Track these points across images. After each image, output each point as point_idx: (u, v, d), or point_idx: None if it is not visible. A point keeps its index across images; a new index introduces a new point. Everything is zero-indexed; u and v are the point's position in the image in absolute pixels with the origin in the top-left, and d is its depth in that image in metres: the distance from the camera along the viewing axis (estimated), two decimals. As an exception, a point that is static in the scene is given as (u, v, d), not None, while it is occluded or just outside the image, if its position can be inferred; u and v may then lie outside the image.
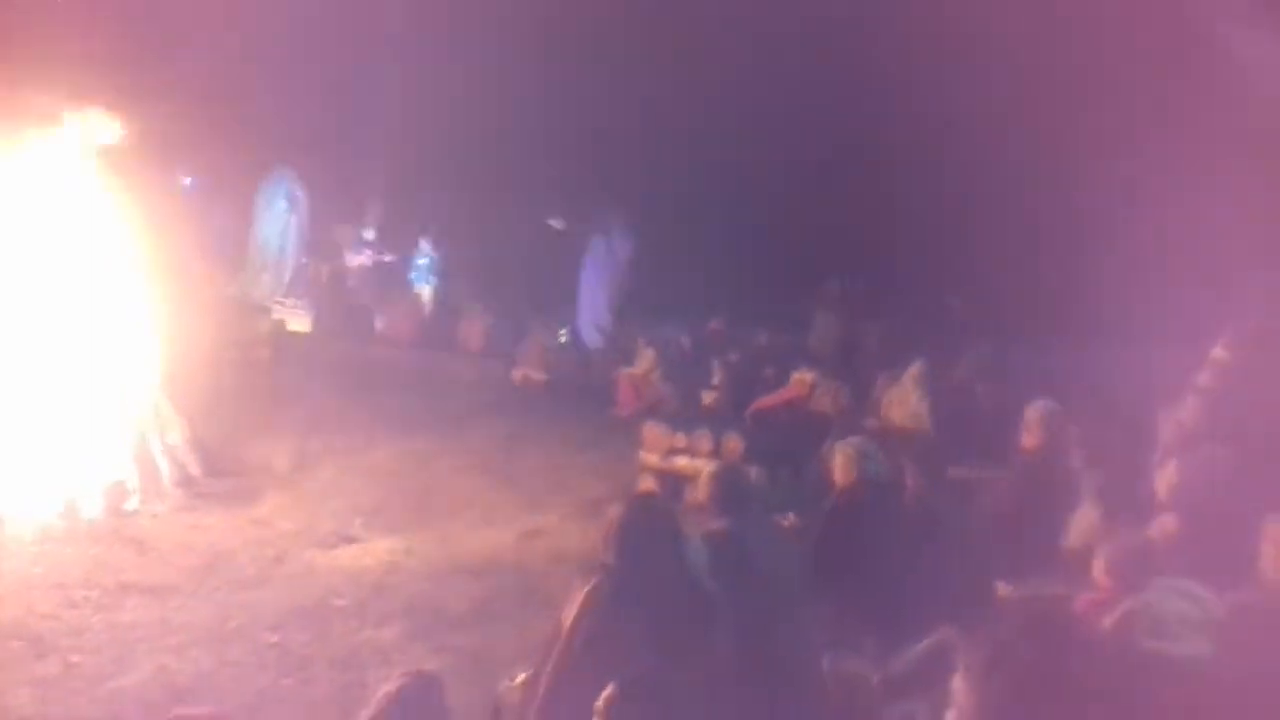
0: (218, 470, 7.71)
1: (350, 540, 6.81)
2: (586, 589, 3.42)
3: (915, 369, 8.74)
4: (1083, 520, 5.82)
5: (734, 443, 8.59)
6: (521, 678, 3.66)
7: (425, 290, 14.86)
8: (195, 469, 7.52)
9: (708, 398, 11.34)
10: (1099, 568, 4.38)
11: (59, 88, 7.12)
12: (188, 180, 15.08)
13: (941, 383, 10.22)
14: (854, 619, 4.87)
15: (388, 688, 2.91)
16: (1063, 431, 6.39)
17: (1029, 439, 6.39)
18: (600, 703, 2.88)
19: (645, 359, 11.67)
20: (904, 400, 8.53)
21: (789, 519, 5.91)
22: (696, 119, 13.84)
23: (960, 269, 12.29)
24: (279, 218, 14.84)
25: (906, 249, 12.76)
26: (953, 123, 11.61)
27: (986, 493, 6.60)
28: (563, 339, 13.49)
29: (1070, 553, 5.76)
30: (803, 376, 10.48)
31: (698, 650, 3.35)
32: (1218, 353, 5.56)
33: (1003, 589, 5.56)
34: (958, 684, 2.70)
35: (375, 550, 6.65)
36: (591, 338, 13.93)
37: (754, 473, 7.99)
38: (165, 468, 7.28)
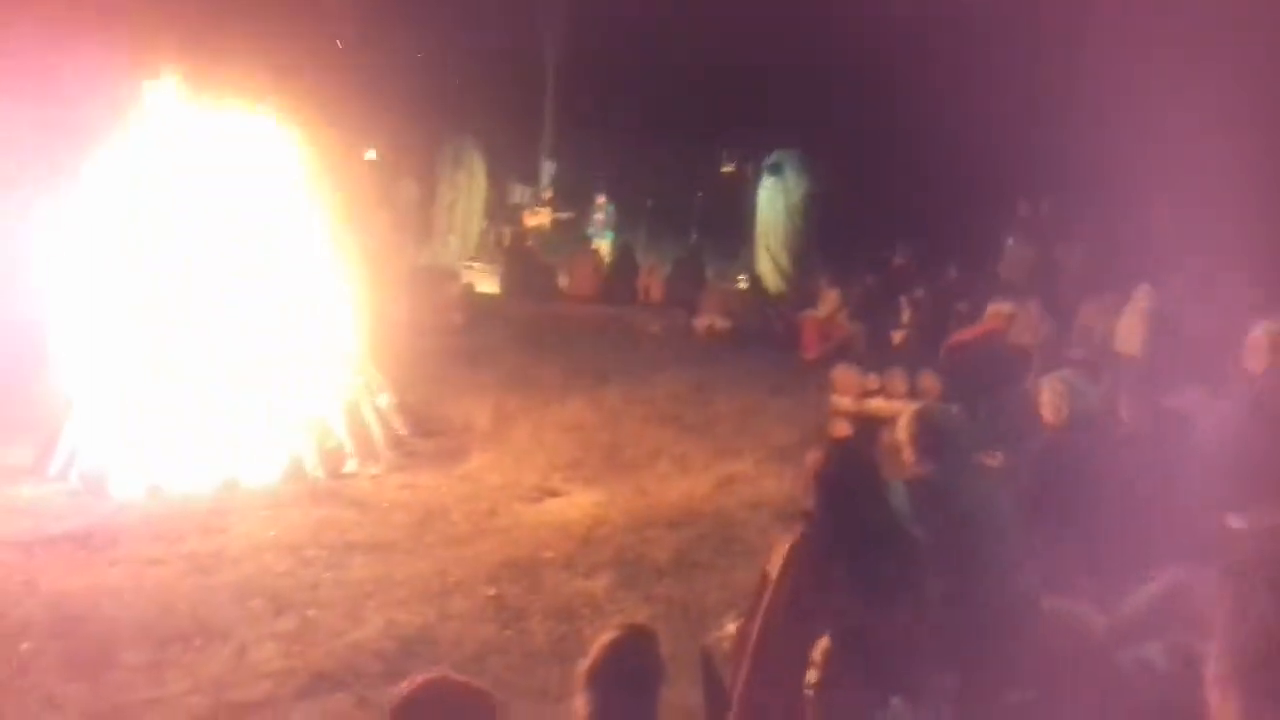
0: (424, 430, 8.08)
1: (554, 493, 7.02)
2: (791, 540, 3.39)
3: (1143, 299, 8.20)
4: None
5: (930, 381, 8.34)
6: (731, 628, 3.68)
7: (604, 244, 15.07)
8: (404, 430, 7.89)
9: (898, 337, 11.08)
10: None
11: (254, 66, 7.51)
12: (372, 153, 15.72)
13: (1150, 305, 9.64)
14: (1074, 561, 4.68)
15: (604, 638, 2.97)
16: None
17: (1255, 362, 5.95)
18: (816, 654, 2.86)
19: (829, 300, 11.48)
20: (1129, 331, 8.03)
21: (996, 458, 5.70)
22: (863, 44, 13.40)
23: (1155, 185, 11.51)
24: (460, 184, 15.30)
25: (1095, 165, 12.03)
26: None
27: (1210, 421, 6.20)
28: (743, 284, 13.42)
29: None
30: (999, 308, 10.06)
31: (908, 598, 3.27)
32: None
33: (1233, 521, 5.23)
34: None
35: (579, 502, 6.83)
36: (773, 281, 13.81)
37: (955, 411, 7.77)
38: (377, 430, 7.67)
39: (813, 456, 3.58)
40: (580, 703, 2.80)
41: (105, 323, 7.05)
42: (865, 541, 3.29)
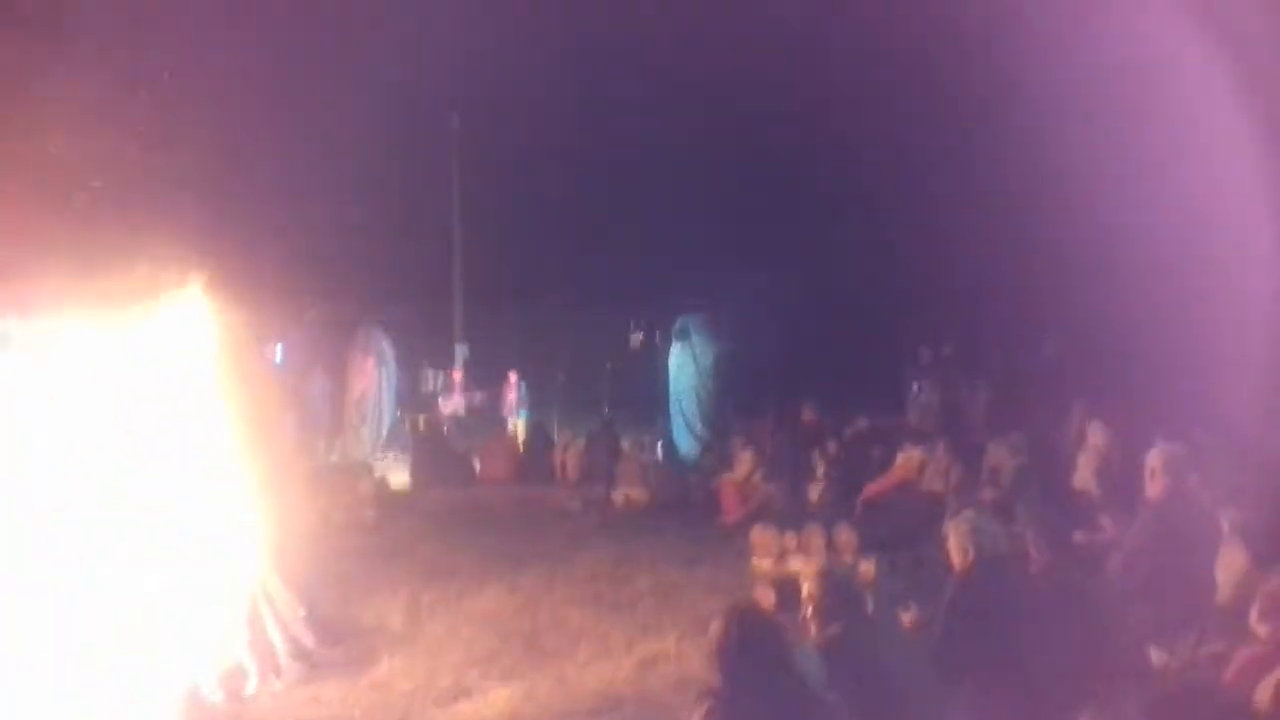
0: (332, 637, 7.68)
1: (468, 693, 6.67)
2: (698, 716, 3.22)
3: (1095, 435, 8.31)
4: (1230, 565, 5.40)
5: (846, 535, 8.30)
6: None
7: (518, 424, 14.99)
8: (309, 640, 7.49)
9: (814, 492, 11.07)
10: (1254, 615, 4.02)
11: (162, 261, 7.40)
12: (278, 351, 15.59)
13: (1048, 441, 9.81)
14: (995, 710, 4.54)
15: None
16: (1188, 473, 6.02)
17: (1153, 487, 6.02)
18: None
19: (744, 462, 11.46)
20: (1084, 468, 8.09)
21: (910, 610, 5.59)
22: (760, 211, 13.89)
23: (1052, 317, 11.91)
24: (370, 374, 15.21)
25: (994, 307, 12.47)
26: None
27: (1119, 552, 6.20)
28: (659, 453, 13.38)
29: (1223, 604, 5.34)
30: (910, 455, 10.18)
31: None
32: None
33: (1157, 656, 5.16)
34: None
35: (494, 700, 6.49)
36: (688, 447, 13.80)
37: (869, 565, 7.71)
38: (280, 643, 7.27)
39: (713, 627, 3.46)
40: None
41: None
42: (771, 710, 3.13)
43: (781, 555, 8.30)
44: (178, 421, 7.38)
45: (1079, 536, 6.52)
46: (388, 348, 15.25)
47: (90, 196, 8.28)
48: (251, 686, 6.87)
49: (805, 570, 6.14)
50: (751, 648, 3.34)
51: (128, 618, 6.68)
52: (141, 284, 7.38)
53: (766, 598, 8.08)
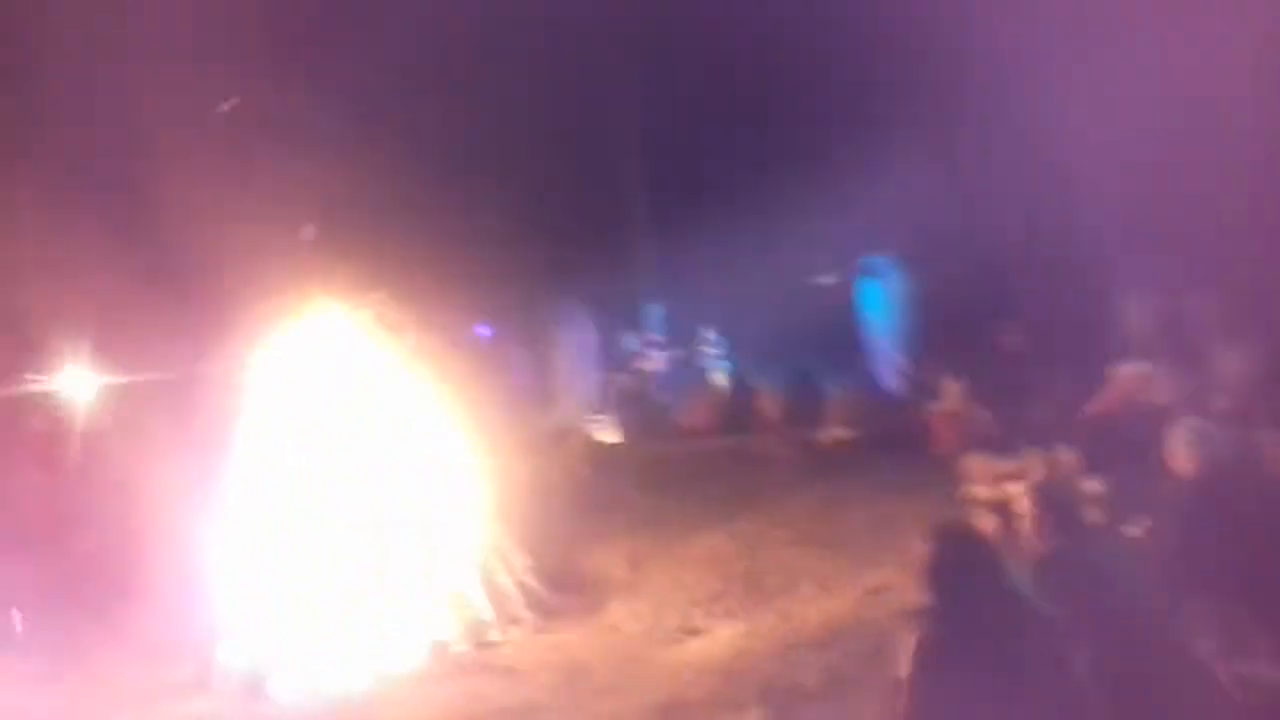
0: (562, 587, 8.10)
1: (695, 632, 6.91)
2: (914, 639, 3.26)
3: None
4: None
5: (1068, 457, 7.99)
6: (876, 741, 3.52)
7: (719, 376, 15.12)
8: (542, 590, 7.93)
9: (1032, 416, 10.68)
10: None
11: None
12: (485, 329, 16.28)
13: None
14: (1242, 618, 4.35)
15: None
16: None
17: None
18: None
19: (952, 392, 11.19)
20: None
21: (1140, 526, 5.40)
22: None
23: None
24: (569, 342, 15.68)
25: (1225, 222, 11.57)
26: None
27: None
28: (862, 392, 13.21)
29: None
30: (1130, 370, 9.69)
31: (1051, 680, 3.09)
32: None
33: None
34: None
35: (720, 638, 6.71)
36: (891, 384, 13.59)
37: (1094, 484, 7.42)
38: (515, 595, 7.73)
39: (923, 548, 3.48)
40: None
41: (250, 531, 7.39)
42: (988, 630, 3.14)
43: (998, 481, 8.09)
44: (403, 411, 7.97)
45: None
46: (583, 314, 15.67)
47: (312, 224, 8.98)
48: (494, 635, 7.36)
49: (1021, 488, 6.01)
50: (962, 565, 3.34)
51: (380, 583, 7.29)
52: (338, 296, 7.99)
53: (986, 523, 7.94)
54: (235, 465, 7.51)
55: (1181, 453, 4.70)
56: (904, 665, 3.25)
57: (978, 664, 3.06)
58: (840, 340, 14.15)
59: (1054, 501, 3.92)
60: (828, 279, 15.01)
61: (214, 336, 8.30)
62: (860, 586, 7.21)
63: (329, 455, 7.59)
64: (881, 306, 13.64)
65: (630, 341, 16.73)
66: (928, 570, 3.27)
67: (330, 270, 8.29)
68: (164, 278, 9.72)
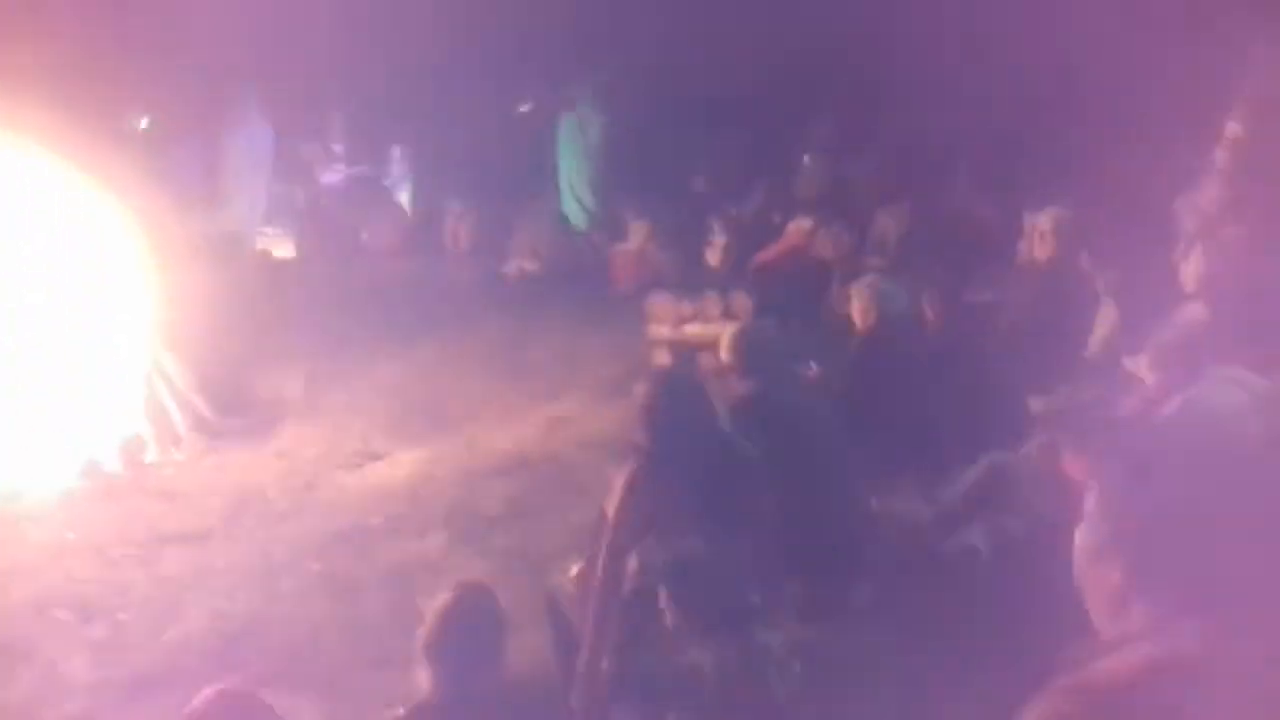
0: (231, 408, 7.61)
1: (376, 457, 6.76)
2: (625, 474, 3.33)
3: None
4: (1103, 322, 5.74)
5: (742, 301, 8.46)
6: (575, 570, 3.61)
7: (404, 196, 14.53)
8: (207, 411, 7.42)
9: (712, 259, 11.13)
10: (1144, 363, 4.29)
11: None
12: (143, 121, 14.59)
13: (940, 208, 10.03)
14: (895, 459, 4.83)
15: (438, 603, 2.85)
16: (1074, 237, 6.27)
17: (1040, 249, 6.27)
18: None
19: (639, 232, 11.44)
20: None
21: (811, 369, 5.82)
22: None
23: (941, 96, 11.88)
24: (244, 144, 14.40)
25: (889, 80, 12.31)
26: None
27: (1005, 312, 6.51)
28: (549, 226, 13.21)
29: (1094, 359, 5.70)
30: (800, 224, 10.29)
31: (746, 517, 3.27)
32: (1231, 128, 5.35)
33: (1036, 404, 5.51)
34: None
35: (402, 463, 6.61)
36: (578, 218, 13.66)
37: (770, 327, 7.90)
38: (177, 414, 7.18)
39: (640, 389, 3.53)
40: (424, 673, 2.67)
41: None
42: (697, 466, 3.26)
43: (679, 321, 8.44)
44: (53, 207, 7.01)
45: (968, 296, 6.79)
46: (261, 116, 14.39)
47: None
48: (150, 455, 6.82)
49: (715, 331, 6.27)
50: (677, 406, 3.42)
51: (27, 395, 6.52)
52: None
53: (664, 361, 8.29)
54: None
55: (860, 307, 5.06)
56: (612, 500, 3.31)
57: (686, 503, 3.18)
58: (533, 170, 13.95)
59: (754, 345, 4.09)
60: (525, 105, 14.64)
61: None
62: (544, 415, 7.33)
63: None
64: (577, 141, 13.52)
65: (311, 150, 15.64)
66: (644, 410, 3.32)
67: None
68: None
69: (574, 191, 13.91)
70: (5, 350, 6.57)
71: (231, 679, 2.61)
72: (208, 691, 2.29)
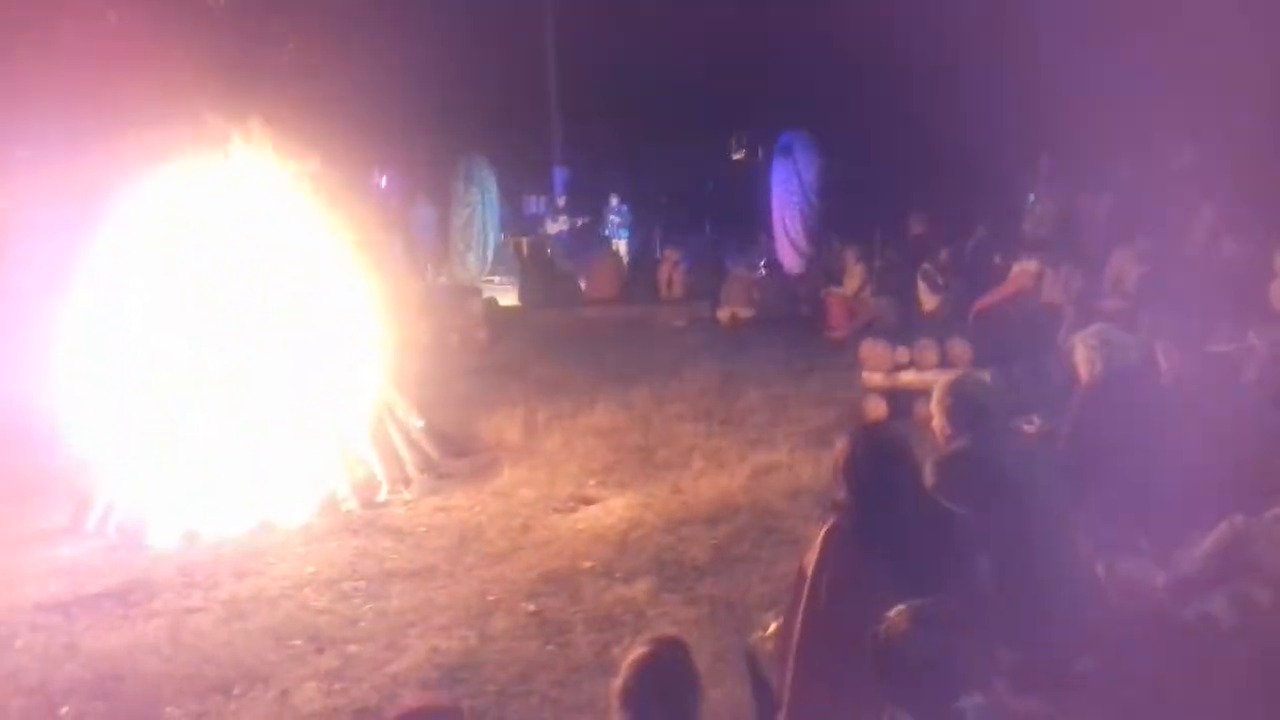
0: (456, 451, 8.00)
1: (588, 501, 6.91)
2: (823, 530, 3.26)
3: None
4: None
5: (961, 349, 8.17)
6: (773, 628, 3.55)
7: (621, 245, 14.97)
8: (434, 452, 7.82)
9: (928, 304, 10.87)
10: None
11: (223, 103, 7.41)
12: (383, 180, 15.72)
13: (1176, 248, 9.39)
14: (1128, 520, 4.51)
15: (633, 656, 2.87)
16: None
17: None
18: (883, 633, 2.68)
19: (854, 276, 11.30)
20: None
21: (1033, 423, 5.54)
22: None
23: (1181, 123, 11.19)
24: (473, 200, 15.26)
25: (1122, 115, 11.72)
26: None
27: (1252, 363, 6.00)
28: (763, 270, 13.27)
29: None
30: (1025, 266, 9.90)
31: (954, 579, 3.12)
32: None
33: (1289, 464, 5.03)
34: None
35: (613, 508, 6.72)
36: (792, 264, 13.64)
37: (987, 377, 7.59)
38: (407, 456, 7.60)
39: (841, 442, 3.45)
40: None
41: (131, 374, 7.04)
42: (899, 524, 3.15)
43: (893, 369, 8.24)
44: (300, 258, 7.57)
45: (1214, 346, 6.29)
46: (489, 174, 15.22)
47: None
48: (382, 495, 7.24)
49: (930, 379, 6.07)
50: (878, 462, 3.32)
51: (269, 433, 7.06)
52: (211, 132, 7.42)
53: (878, 409, 8.11)
54: (121, 303, 7.09)
55: (1086, 358, 4.78)
56: (811, 555, 3.25)
57: (888, 556, 3.08)
58: (746, 216, 14.08)
59: (965, 398, 3.93)
60: (738, 153, 14.83)
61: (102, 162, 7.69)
62: (752, 464, 7.30)
63: (223, 297, 7.22)
64: (791, 185, 13.55)
65: (535, 205, 16.40)
66: (843, 466, 3.24)
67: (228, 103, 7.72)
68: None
69: (789, 236, 13.93)
70: (255, 392, 7.13)
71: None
72: (411, 702, 2.39)
